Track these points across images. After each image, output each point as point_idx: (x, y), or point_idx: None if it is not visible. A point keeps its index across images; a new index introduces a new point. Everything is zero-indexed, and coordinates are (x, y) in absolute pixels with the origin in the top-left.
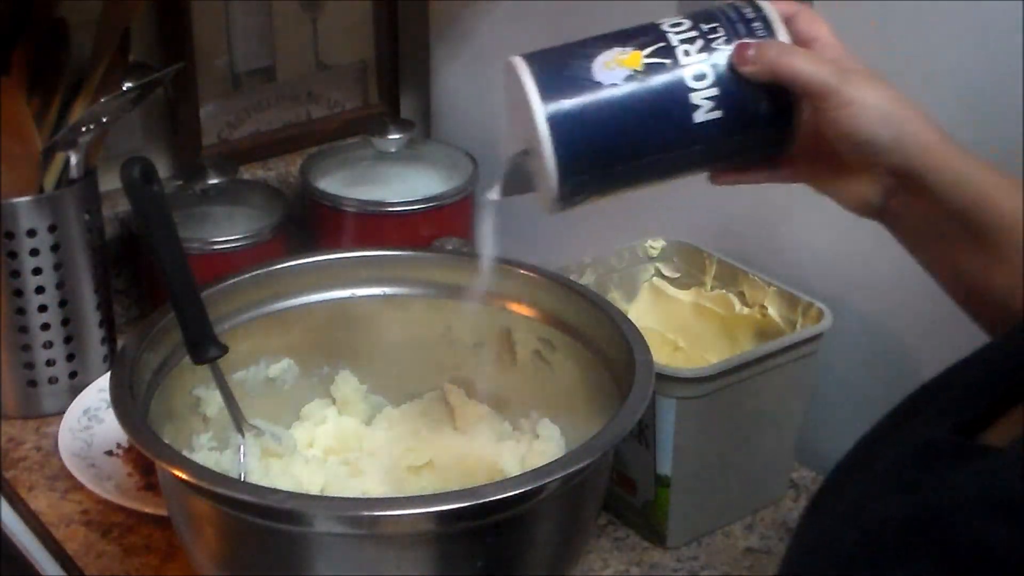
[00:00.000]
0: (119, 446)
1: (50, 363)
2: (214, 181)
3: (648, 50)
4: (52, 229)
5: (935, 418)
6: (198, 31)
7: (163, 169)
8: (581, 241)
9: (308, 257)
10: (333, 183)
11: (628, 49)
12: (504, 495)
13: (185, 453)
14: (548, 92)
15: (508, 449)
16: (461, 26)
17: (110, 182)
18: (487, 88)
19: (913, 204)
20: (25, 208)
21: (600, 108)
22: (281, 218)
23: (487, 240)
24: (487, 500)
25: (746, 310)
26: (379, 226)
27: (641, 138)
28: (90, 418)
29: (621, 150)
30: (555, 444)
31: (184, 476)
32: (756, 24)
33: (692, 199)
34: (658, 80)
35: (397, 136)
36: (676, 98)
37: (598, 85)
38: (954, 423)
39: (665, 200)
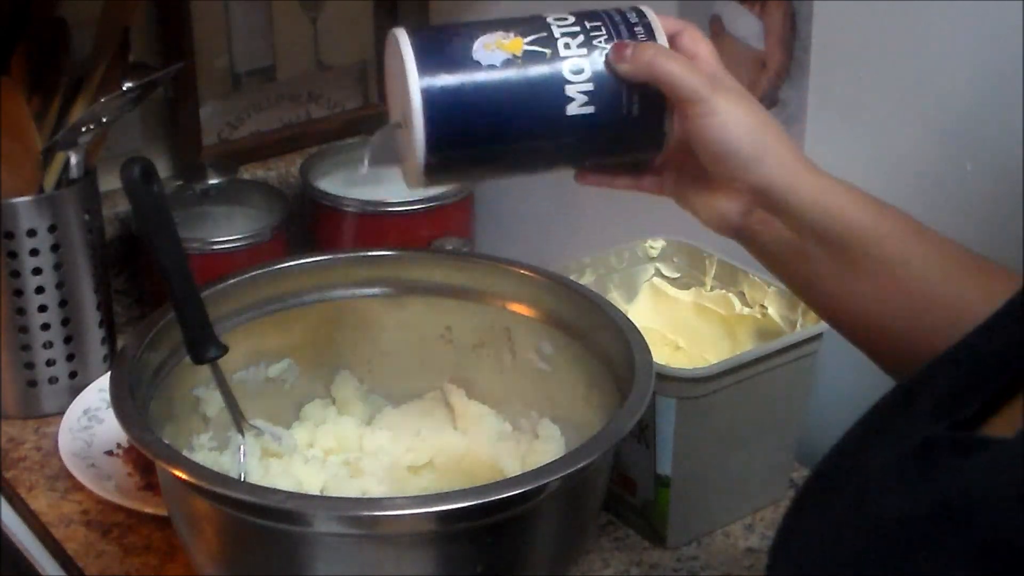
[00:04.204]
0: (119, 446)
1: (50, 363)
2: (214, 181)
3: (530, 38)
4: (52, 229)
5: (927, 414)
6: (198, 31)
7: (163, 169)
8: (581, 241)
9: (308, 257)
10: (333, 183)
11: (511, 35)
12: (504, 495)
13: (185, 453)
14: (426, 65)
15: (508, 449)
16: None
17: (110, 182)
18: None
19: (771, 222)
20: (25, 208)
21: (475, 87)
22: (281, 218)
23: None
24: (487, 500)
25: (746, 310)
26: (379, 226)
27: (512, 122)
28: (90, 418)
29: (491, 131)
30: (555, 444)
31: (184, 476)
32: (638, 28)
33: None
34: (536, 68)
35: None
36: (551, 88)
37: (476, 64)
38: (950, 420)
39: (665, 200)
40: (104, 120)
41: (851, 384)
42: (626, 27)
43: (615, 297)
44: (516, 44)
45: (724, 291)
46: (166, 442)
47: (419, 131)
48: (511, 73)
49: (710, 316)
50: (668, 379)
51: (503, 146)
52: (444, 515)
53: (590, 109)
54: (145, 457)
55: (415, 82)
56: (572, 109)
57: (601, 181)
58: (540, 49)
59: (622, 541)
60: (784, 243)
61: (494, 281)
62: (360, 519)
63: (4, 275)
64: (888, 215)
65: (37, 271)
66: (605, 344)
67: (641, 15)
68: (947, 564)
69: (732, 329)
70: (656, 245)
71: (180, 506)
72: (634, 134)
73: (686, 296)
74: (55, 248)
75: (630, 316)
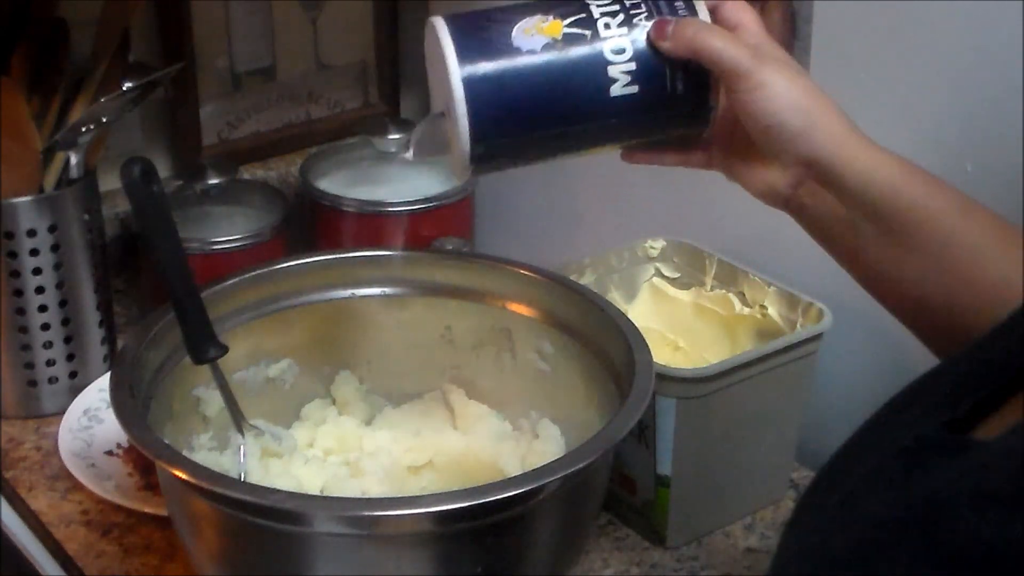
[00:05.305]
0: (119, 446)
1: (50, 363)
2: (214, 181)
3: (569, 20)
4: (52, 229)
5: (922, 416)
6: (198, 31)
7: (163, 169)
8: (581, 241)
9: (308, 257)
10: (333, 183)
11: (549, 17)
12: (504, 495)
13: (185, 453)
14: (466, 54)
15: (508, 449)
16: None
17: (110, 182)
18: None
19: (820, 195)
20: (25, 208)
21: (517, 74)
22: (281, 218)
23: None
24: (487, 500)
25: (746, 310)
26: (379, 226)
27: (556, 107)
28: (90, 418)
29: (535, 118)
30: (555, 444)
31: (184, 476)
32: (679, 3)
33: (692, 199)
34: (577, 51)
35: (397, 136)
36: (593, 70)
37: (516, 51)
38: (943, 420)
39: (665, 200)
40: (104, 120)
41: (851, 384)
42: (666, 1)
43: (615, 297)
44: (555, 27)
45: (724, 291)
46: (166, 442)
47: (462, 121)
48: (552, 57)
49: (710, 316)
50: (668, 379)
51: (548, 131)
52: (444, 515)
53: (634, 89)
54: (145, 457)
55: (456, 72)
56: (615, 90)
57: (649, 159)
58: (580, 31)
59: (622, 541)
60: (833, 216)
61: (494, 281)
62: (360, 519)
63: (4, 275)
64: (939, 191)
65: (37, 271)
66: (605, 344)
67: None
68: (919, 566)
69: (732, 329)
70: (656, 245)
71: (180, 506)
72: (680, 111)
73: (686, 296)
74: (55, 248)
75: (630, 316)
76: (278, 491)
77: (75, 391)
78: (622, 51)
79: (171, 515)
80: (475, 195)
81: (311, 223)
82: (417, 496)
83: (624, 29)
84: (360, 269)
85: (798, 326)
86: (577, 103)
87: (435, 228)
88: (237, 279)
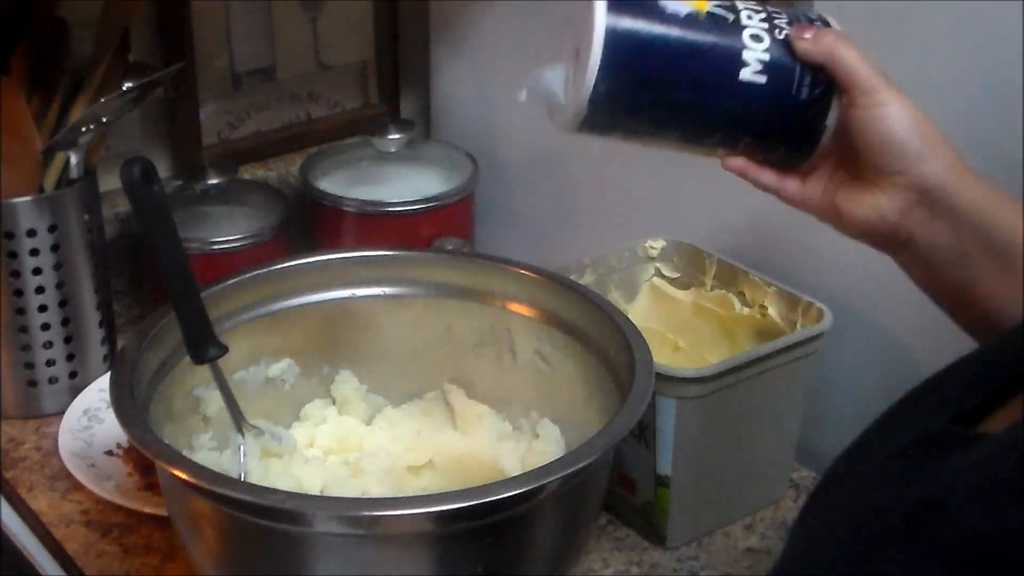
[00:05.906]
0: (119, 446)
1: (50, 363)
2: (214, 181)
3: (716, 1)
4: (52, 229)
5: (931, 412)
6: (198, 31)
7: (163, 169)
8: (581, 241)
9: (308, 257)
10: (333, 183)
11: None
12: (504, 495)
13: (185, 453)
14: (615, 5)
15: (508, 449)
16: (461, 26)
17: (110, 182)
18: (487, 88)
19: (930, 224)
20: (25, 208)
21: (657, 34)
22: (281, 218)
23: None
24: (487, 500)
25: (746, 310)
26: (379, 226)
27: (685, 75)
28: (90, 418)
29: (662, 78)
30: (555, 444)
31: (184, 476)
32: (817, 23)
33: (692, 199)
34: (717, 27)
35: (397, 136)
36: (729, 48)
37: (661, 11)
38: (951, 415)
39: (665, 200)
40: (104, 120)
41: (851, 384)
42: (805, 19)
43: (615, 297)
44: (702, 2)
45: (724, 291)
46: (166, 442)
47: (594, 62)
48: (693, 26)
49: (710, 316)
50: (668, 379)
51: (669, 96)
52: (444, 515)
53: (762, 79)
54: (145, 457)
55: (602, 16)
56: (745, 74)
57: (747, 168)
58: (724, 13)
59: (622, 541)
60: (943, 248)
61: (494, 281)
62: (360, 519)
63: (4, 275)
64: None
65: (37, 271)
66: (605, 344)
67: (820, 15)
68: (920, 560)
69: (732, 329)
70: (656, 245)
71: (180, 506)
72: (795, 121)
73: (686, 296)
74: (55, 248)
75: (630, 316)
76: (278, 491)
77: (75, 391)
78: (760, 39)
79: (171, 515)
80: (475, 195)
81: (311, 223)
82: (417, 496)
83: (765, 24)
84: (360, 269)
85: (798, 326)
86: (705, 75)
87: (435, 228)
88: (237, 279)
